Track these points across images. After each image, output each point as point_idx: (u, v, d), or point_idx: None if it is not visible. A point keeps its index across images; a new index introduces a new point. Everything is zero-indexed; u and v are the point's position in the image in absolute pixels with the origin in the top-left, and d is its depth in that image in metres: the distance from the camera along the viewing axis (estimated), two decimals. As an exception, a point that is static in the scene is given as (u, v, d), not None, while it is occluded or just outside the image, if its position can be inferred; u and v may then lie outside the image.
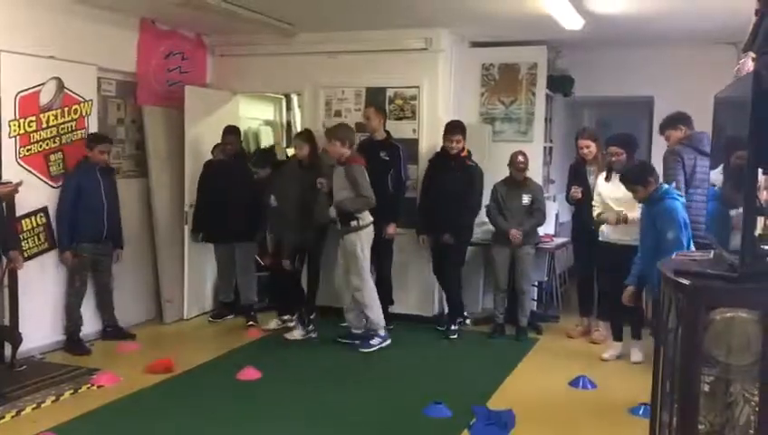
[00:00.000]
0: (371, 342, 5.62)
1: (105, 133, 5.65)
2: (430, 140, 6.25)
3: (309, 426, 4.09)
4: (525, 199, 5.92)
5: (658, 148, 6.03)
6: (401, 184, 6.08)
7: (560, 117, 7.57)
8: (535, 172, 6.41)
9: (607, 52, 6.89)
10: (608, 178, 5.36)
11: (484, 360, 5.46)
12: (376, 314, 5.67)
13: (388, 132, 6.14)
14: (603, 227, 5.33)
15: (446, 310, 6.20)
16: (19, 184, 4.21)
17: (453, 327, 5.99)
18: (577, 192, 5.77)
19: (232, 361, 5.26)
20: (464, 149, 5.90)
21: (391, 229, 6.02)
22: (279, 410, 4.33)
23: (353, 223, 5.56)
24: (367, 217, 5.62)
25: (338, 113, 6.57)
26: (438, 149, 6.07)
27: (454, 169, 5.89)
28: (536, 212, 5.94)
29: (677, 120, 5.36)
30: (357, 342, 5.65)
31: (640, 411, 4.15)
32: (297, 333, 5.85)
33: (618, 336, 5.40)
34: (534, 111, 6.63)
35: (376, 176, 5.77)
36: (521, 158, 5.90)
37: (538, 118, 6.65)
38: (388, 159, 6.02)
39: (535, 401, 4.51)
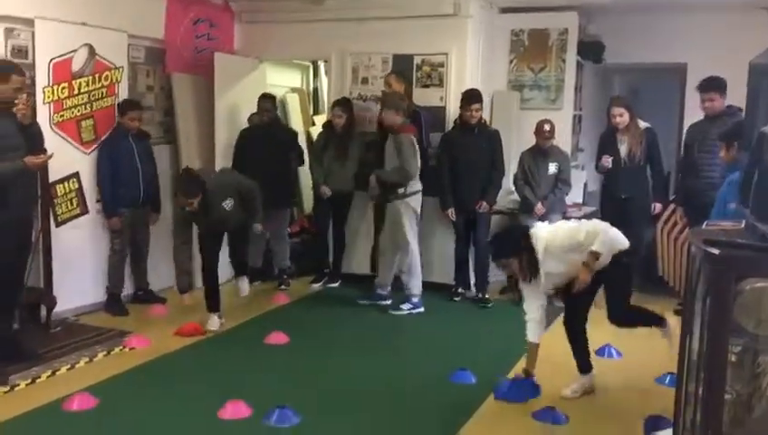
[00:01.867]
0: (402, 306, 5.71)
1: (136, 99, 5.70)
2: (458, 108, 6.20)
3: (335, 390, 4.15)
4: (552, 168, 5.88)
5: (691, 115, 5.93)
6: (424, 151, 6.05)
7: (590, 84, 7.46)
8: (564, 141, 6.34)
9: (639, 17, 6.73)
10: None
11: (510, 328, 5.44)
12: (414, 282, 5.75)
13: (410, 100, 6.10)
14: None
15: (474, 280, 6.17)
16: (50, 156, 4.28)
17: (487, 295, 6.01)
18: (607, 162, 5.70)
19: (260, 325, 5.35)
20: (481, 117, 5.88)
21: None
22: (306, 374, 4.40)
23: (400, 190, 5.59)
24: (414, 185, 5.63)
25: (365, 80, 6.54)
26: (454, 120, 6.04)
27: (477, 136, 5.86)
28: (562, 182, 5.89)
29: (724, 86, 5.26)
30: (381, 302, 5.78)
31: (666, 380, 4.15)
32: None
33: (585, 367, 4.16)
34: (564, 79, 6.54)
35: None
36: (547, 126, 5.84)
37: (568, 85, 6.56)
38: None
39: (561, 368, 4.51)
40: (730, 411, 2.39)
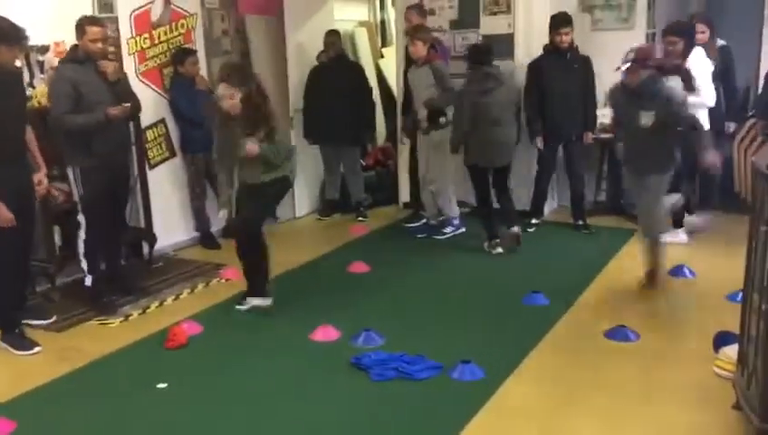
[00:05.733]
0: (445, 230, 5.94)
1: (191, 47, 5.82)
2: (526, 35, 6.15)
3: (415, 314, 4.41)
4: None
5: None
6: None
7: (665, 0, 7.19)
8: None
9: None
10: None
11: (583, 249, 5.59)
12: (448, 204, 5.91)
13: None
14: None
15: (572, 209, 6.10)
16: (126, 107, 4.45)
17: (580, 222, 5.99)
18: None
19: (341, 255, 5.64)
20: (572, 41, 5.76)
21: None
22: (389, 297, 4.70)
23: (442, 120, 5.69)
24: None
25: (431, 12, 6.54)
26: (544, 45, 5.86)
27: (570, 61, 5.74)
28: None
29: None
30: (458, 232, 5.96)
31: (738, 298, 4.20)
32: None
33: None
34: (637, -4, 6.37)
35: None
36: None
37: (641, 2, 6.39)
38: None
39: (635, 288, 4.65)
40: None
